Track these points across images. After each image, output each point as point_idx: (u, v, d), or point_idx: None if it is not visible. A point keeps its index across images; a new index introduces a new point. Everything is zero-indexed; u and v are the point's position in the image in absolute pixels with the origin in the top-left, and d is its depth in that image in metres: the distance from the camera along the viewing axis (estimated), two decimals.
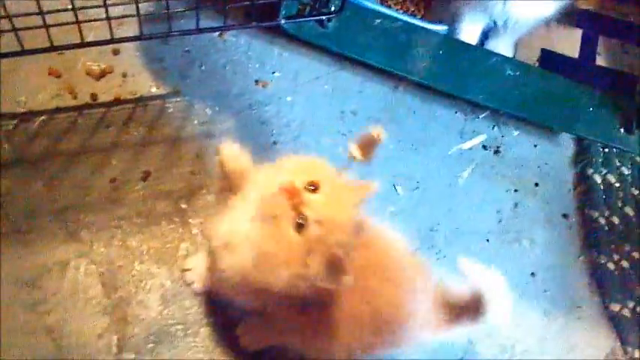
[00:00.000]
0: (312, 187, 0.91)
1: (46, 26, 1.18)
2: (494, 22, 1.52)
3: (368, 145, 0.99)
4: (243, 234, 0.94)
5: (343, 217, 0.91)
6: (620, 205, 1.52)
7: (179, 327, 1.23)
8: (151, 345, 1.21)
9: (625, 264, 1.45)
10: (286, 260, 0.90)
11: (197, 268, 1.24)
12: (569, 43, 1.66)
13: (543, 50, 1.64)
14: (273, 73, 1.49)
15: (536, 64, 1.63)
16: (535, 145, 1.56)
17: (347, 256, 0.88)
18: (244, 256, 0.93)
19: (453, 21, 1.55)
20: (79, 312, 1.22)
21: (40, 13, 1.14)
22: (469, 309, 1.09)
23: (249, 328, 1.19)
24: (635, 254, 1.47)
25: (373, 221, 1.05)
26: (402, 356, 1.26)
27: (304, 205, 0.89)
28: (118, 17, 1.30)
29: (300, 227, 0.89)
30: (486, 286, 1.07)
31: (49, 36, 1.21)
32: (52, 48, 1.24)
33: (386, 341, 1.08)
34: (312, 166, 0.96)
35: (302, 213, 0.89)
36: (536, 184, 1.52)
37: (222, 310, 1.23)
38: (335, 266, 0.87)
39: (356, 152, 1.00)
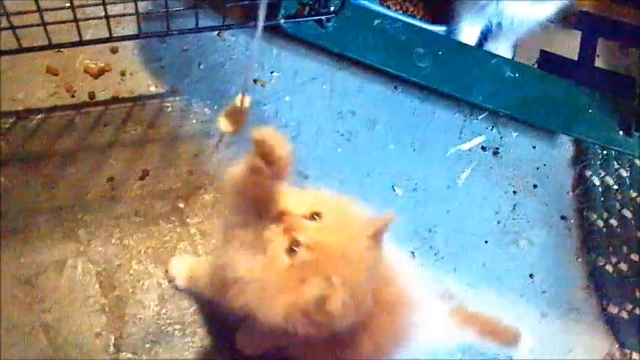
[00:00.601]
0: (315, 216, 0.87)
1: (44, 24, 1.17)
2: (492, 23, 1.51)
3: (236, 116, 0.94)
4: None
5: (342, 245, 0.86)
6: (618, 207, 1.52)
7: (177, 327, 1.23)
8: (148, 345, 1.21)
9: (623, 266, 1.45)
10: (276, 286, 0.85)
11: (180, 267, 1.24)
12: (568, 44, 1.66)
13: (542, 52, 1.64)
14: (272, 72, 1.49)
15: (536, 66, 1.63)
16: (534, 147, 1.56)
17: (341, 287, 0.82)
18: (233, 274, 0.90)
19: (451, 22, 1.54)
20: (76, 311, 1.22)
21: (39, 10, 1.14)
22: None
23: (247, 334, 1.18)
24: (634, 256, 1.47)
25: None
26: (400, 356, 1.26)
27: (300, 230, 0.85)
28: (117, 15, 1.29)
29: (292, 252, 0.85)
30: None
31: (47, 34, 1.20)
32: (50, 46, 1.23)
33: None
34: (328, 200, 0.92)
35: (295, 238, 0.85)
36: (535, 186, 1.52)
37: (220, 310, 1.22)
38: (324, 299, 0.82)
39: (225, 125, 0.94)
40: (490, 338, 1.21)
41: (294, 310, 0.84)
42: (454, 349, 1.32)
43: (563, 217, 1.50)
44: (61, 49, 1.37)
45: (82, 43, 1.25)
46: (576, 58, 1.65)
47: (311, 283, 0.83)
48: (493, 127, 1.56)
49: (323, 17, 1.42)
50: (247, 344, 1.19)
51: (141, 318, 1.23)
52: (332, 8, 1.41)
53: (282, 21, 1.40)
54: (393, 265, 1.04)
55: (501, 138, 1.55)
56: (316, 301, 0.82)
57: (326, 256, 0.84)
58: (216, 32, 1.49)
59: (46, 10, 1.16)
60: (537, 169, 1.54)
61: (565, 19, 1.57)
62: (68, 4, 1.17)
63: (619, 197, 1.53)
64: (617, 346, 1.40)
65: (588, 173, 1.53)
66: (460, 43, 1.54)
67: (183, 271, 1.24)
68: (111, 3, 1.21)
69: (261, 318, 0.88)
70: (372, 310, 0.94)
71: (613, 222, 1.50)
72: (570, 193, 1.54)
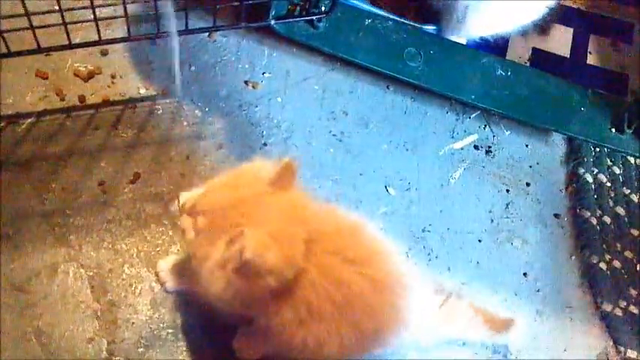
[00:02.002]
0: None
1: (33, 28, 1.17)
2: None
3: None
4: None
5: (238, 197, 0.91)
6: (611, 204, 1.52)
7: (170, 331, 1.22)
8: (141, 349, 1.20)
9: (617, 263, 1.45)
10: (200, 259, 0.92)
11: (167, 269, 1.24)
12: (560, 42, 1.66)
13: (534, 49, 1.64)
14: (263, 73, 1.48)
15: (528, 64, 1.63)
16: (526, 145, 1.56)
17: (254, 233, 0.87)
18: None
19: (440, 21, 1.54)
20: (68, 316, 1.21)
21: (27, 14, 1.13)
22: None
23: (244, 340, 1.18)
24: (627, 254, 1.47)
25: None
26: (395, 356, 1.26)
27: (190, 202, 0.94)
28: (106, 18, 1.29)
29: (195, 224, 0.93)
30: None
31: (35, 38, 1.19)
32: (39, 50, 1.23)
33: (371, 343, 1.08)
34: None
35: (187, 209, 0.95)
36: (528, 184, 1.52)
37: (214, 314, 1.22)
38: (240, 251, 0.86)
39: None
40: (483, 327, 1.21)
41: (223, 273, 0.89)
42: (447, 350, 1.32)
43: (556, 215, 1.50)
44: (51, 53, 1.36)
45: (71, 46, 1.25)
46: (568, 56, 1.65)
47: (221, 241, 0.89)
48: (485, 125, 1.55)
49: (314, 17, 1.42)
50: (245, 350, 1.18)
51: (134, 322, 1.22)
52: (323, 8, 1.41)
53: (272, 22, 1.39)
54: (380, 245, 1.05)
55: (494, 136, 1.55)
56: (233, 255, 0.86)
57: (225, 213, 0.89)
58: (207, 34, 1.48)
59: (35, 13, 1.15)
60: (530, 167, 1.54)
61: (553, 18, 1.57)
62: (57, 8, 1.16)
63: (612, 194, 1.53)
64: (611, 343, 1.40)
65: (581, 171, 1.53)
66: (451, 41, 1.54)
67: (171, 272, 1.23)
68: (99, 6, 1.20)
69: (211, 297, 0.94)
70: (364, 290, 0.97)
71: (606, 219, 1.50)
72: (563, 191, 1.54)
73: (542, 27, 1.59)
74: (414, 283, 1.07)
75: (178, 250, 1.28)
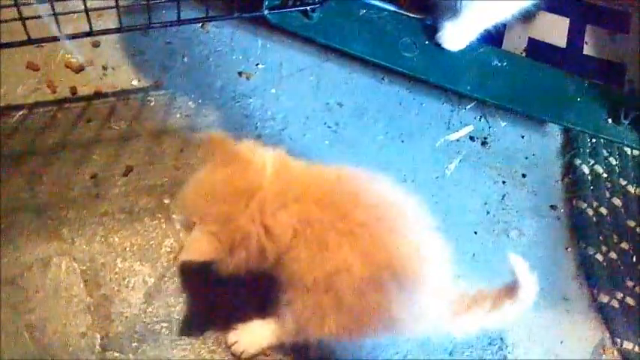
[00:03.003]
0: None
1: (23, 19, 1.15)
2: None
3: None
4: None
5: None
6: (608, 195, 1.51)
7: (164, 325, 1.22)
8: (135, 343, 1.20)
9: (613, 255, 1.45)
10: None
11: None
12: (556, 32, 1.64)
13: (531, 40, 1.63)
14: (257, 64, 1.47)
15: (524, 54, 1.61)
16: (522, 136, 1.55)
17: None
18: None
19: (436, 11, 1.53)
20: (61, 310, 1.20)
21: (16, 5, 1.11)
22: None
23: (239, 335, 1.18)
24: (624, 245, 1.46)
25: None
26: (390, 349, 1.26)
27: None
28: (97, 9, 1.27)
29: None
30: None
31: (25, 29, 1.18)
32: (30, 41, 1.21)
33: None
34: None
35: None
36: (524, 175, 1.51)
37: (209, 308, 1.21)
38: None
39: None
40: (505, 303, 1.18)
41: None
42: (444, 343, 1.31)
43: (552, 207, 1.50)
44: (42, 45, 1.35)
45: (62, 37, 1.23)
46: (564, 46, 1.63)
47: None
48: (481, 116, 1.54)
49: (308, 7, 1.41)
50: (240, 345, 1.18)
51: (127, 316, 1.21)
52: None
53: (266, 12, 1.38)
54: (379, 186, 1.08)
55: (490, 128, 1.54)
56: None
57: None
58: (200, 24, 1.47)
59: (25, 4, 1.14)
60: (526, 158, 1.53)
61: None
62: None
63: (608, 185, 1.53)
64: (608, 335, 1.39)
65: (577, 162, 1.53)
66: None
67: None
68: None
69: None
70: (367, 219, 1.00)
71: (603, 210, 1.49)
72: (560, 182, 1.53)
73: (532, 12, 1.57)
74: (416, 214, 1.09)
75: (172, 243, 1.27)
